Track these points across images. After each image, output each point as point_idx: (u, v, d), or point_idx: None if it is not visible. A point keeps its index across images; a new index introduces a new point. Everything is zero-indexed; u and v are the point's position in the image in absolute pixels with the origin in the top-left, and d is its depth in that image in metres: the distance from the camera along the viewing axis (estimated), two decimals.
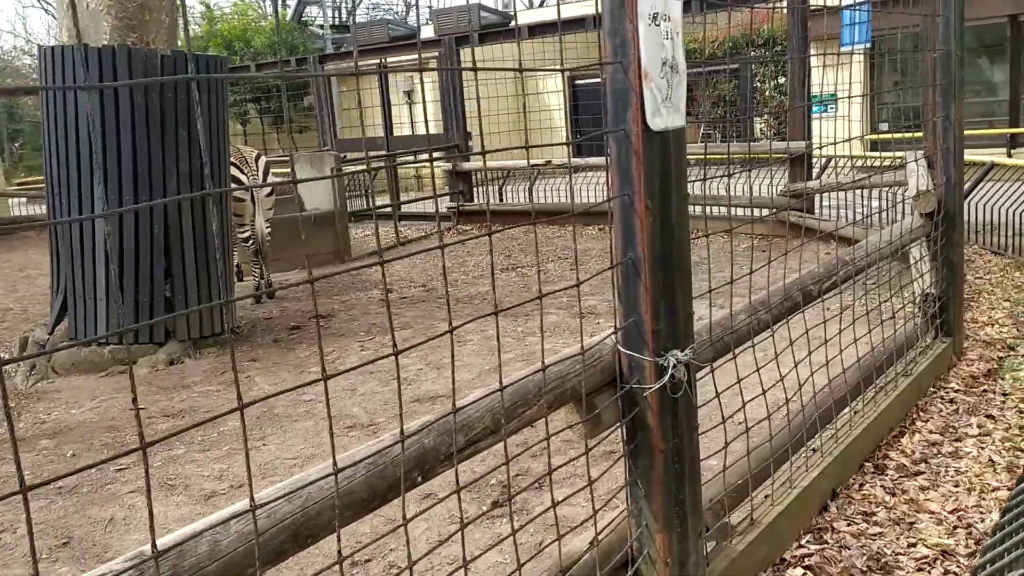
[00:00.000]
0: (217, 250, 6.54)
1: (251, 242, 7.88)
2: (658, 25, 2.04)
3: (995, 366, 4.36)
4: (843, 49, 7.33)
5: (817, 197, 8.75)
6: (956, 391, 4.07)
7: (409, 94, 18.95)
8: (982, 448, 3.47)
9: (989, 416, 3.76)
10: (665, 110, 2.08)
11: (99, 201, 6.05)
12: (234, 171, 7.73)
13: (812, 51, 11.78)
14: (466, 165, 11.75)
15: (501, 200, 12.15)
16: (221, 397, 5.38)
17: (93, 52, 5.90)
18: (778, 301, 2.97)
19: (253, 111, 21.25)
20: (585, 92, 21.55)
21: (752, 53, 19.27)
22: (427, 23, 25.66)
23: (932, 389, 4.08)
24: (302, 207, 10.23)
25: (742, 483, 2.69)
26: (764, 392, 2.76)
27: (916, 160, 4.73)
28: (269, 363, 6.07)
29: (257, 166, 7.80)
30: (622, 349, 2.18)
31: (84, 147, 6.01)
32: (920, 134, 4.74)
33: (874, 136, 12.88)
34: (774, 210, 8.52)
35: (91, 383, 5.92)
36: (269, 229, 8.07)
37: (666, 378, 2.13)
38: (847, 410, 3.42)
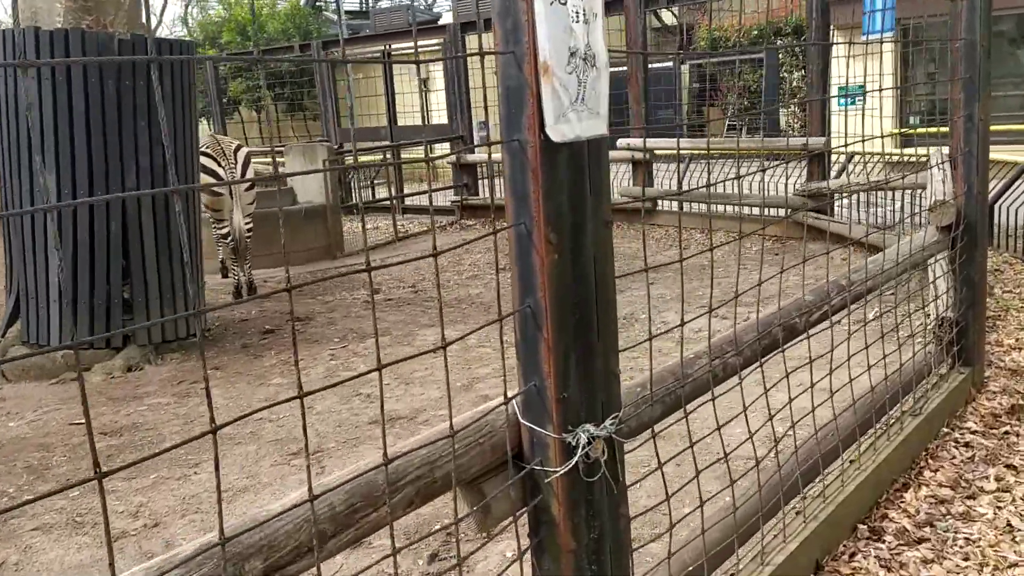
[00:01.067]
0: (184, 248, 6.13)
1: (230, 238, 7.46)
2: (563, 4, 1.55)
3: (1020, 401, 3.82)
4: (866, 39, 6.76)
5: (837, 197, 8.17)
6: (973, 432, 3.54)
7: (426, 82, 18.48)
8: (999, 508, 2.95)
9: (1010, 467, 3.23)
10: (575, 114, 1.59)
11: (52, 195, 5.65)
12: (210, 163, 7.31)
13: (837, 40, 11.15)
14: (470, 157, 11.27)
15: None
16: (170, 412, 4.97)
17: (44, 35, 5.48)
18: (751, 340, 2.47)
19: (268, 98, 20.89)
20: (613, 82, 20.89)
21: (778, 42, 18.59)
22: (449, 9, 25.17)
23: (945, 429, 3.56)
24: (295, 200, 9.82)
25: (696, 567, 2.21)
26: (726, 456, 2.27)
27: (938, 164, 4.20)
28: (231, 372, 5.65)
29: (236, 158, 7.37)
30: (522, 420, 1.71)
31: (35, 136, 5.61)
32: (947, 128, 4.18)
33: (901, 132, 12.22)
34: (788, 210, 7.96)
35: (40, 391, 5.54)
36: (250, 224, 7.64)
37: (576, 459, 1.65)
38: (838, 462, 2.92)
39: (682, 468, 3.09)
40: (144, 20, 6.07)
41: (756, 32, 19.17)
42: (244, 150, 7.54)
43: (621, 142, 9.76)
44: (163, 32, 26.00)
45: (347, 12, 21.82)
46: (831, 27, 8.32)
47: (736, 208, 9.00)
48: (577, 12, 1.58)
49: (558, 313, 1.62)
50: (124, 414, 4.99)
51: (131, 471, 4.08)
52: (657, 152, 9.79)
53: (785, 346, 2.58)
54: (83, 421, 4.91)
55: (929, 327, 3.90)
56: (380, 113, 13.80)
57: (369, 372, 1.41)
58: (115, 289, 5.82)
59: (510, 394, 1.70)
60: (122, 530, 3.49)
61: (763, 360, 2.48)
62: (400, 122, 14.97)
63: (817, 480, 2.78)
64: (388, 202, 11.28)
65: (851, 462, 3.02)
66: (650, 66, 20.71)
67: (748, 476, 2.46)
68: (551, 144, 1.55)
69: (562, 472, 1.65)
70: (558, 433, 1.65)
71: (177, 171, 5.99)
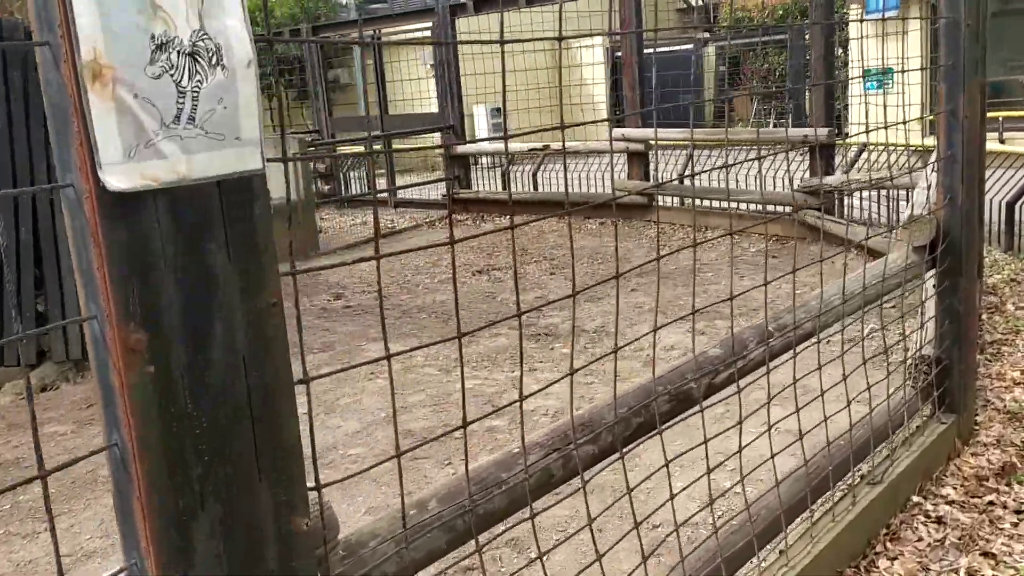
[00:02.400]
0: None
1: None
2: None
3: (1015, 459, 3.15)
4: (868, 17, 6.03)
5: (838, 195, 7.44)
6: (950, 502, 2.89)
7: (432, 67, 17.83)
8: None
9: (987, 555, 2.58)
10: (175, 144, 0.99)
11: None
12: None
13: (856, 19, 10.34)
14: (461, 148, 10.67)
15: (505, 187, 11.03)
16: (61, 444, 4.46)
17: None
18: (609, 423, 1.86)
19: (282, 84, 20.43)
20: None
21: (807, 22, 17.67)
22: None
23: (916, 498, 2.91)
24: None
25: None
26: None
27: (932, 163, 3.53)
28: None
29: None
30: None
31: None
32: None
33: (895, 124, 11.34)
34: (783, 208, 7.26)
35: None
36: None
37: None
38: (756, 560, 2.29)
39: None
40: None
41: (781, 11, 18.26)
42: None
43: (616, 132, 9.09)
44: None
45: None
46: (841, 6, 7.56)
47: (736, 204, 8.31)
48: None
49: (161, 456, 1.03)
50: (12, 445, 4.50)
51: None
52: (655, 142, 9.10)
53: (663, 427, 1.96)
54: None
55: (907, 364, 3.24)
56: (399, 100, 13.14)
57: None
58: (27, 301, 5.34)
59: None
60: None
61: (624, 451, 1.87)
62: (408, 110, 14.43)
63: None
64: (375, 195, 10.71)
65: (781, 553, 2.40)
66: (670, 48, 19.94)
67: None
68: (112, 195, 0.96)
69: None
70: None
71: None
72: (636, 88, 8.77)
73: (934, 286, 3.19)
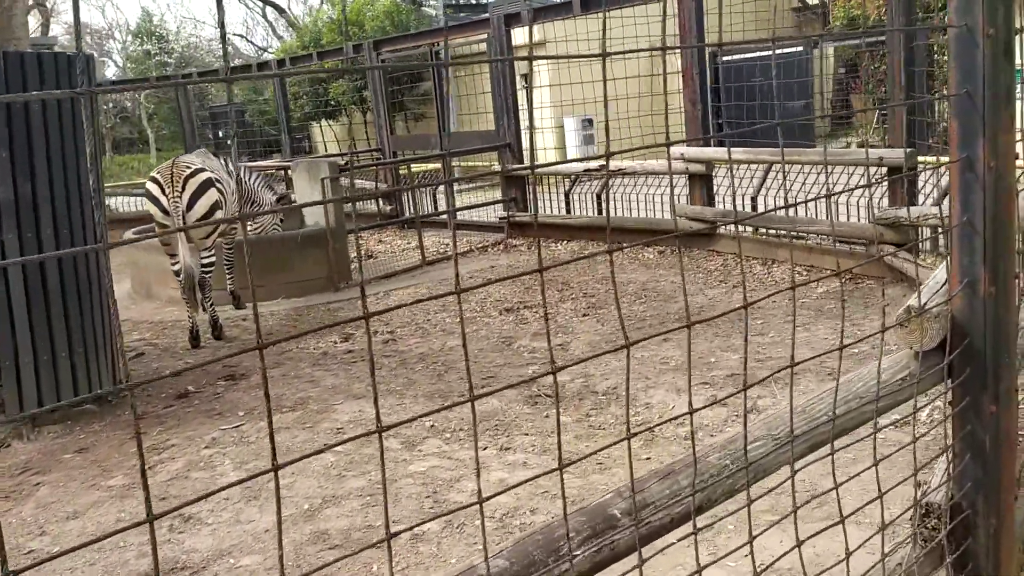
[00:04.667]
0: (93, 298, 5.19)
1: (181, 276, 6.51)
2: None
3: None
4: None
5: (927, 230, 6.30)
6: None
7: (526, 77, 17.14)
8: None
9: None
10: None
11: None
12: (155, 190, 6.39)
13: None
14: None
15: (568, 210, 10.24)
16: None
17: None
18: None
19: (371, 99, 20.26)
20: (730, 71, 18.82)
21: (930, 20, 16.07)
22: None
23: None
24: (302, 222, 8.84)
25: None
26: None
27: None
28: (88, 460, 4.64)
29: (185, 186, 6.38)
30: None
31: None
32: None
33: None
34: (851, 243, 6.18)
35: None
36: (208, 259, 6.67)
37: None
38: None
39: None
40: (19, 30, 5.15)
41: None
42: (201, 176, 6.55)
43: (674, 151, 8.17)
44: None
45: (450, 5, 20.80)
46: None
47: (811, 237, 7.25)
48: None
49: None
50: None
51: None
52: (722, 162, 8.13)
53: None
54: None
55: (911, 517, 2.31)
56: (472, 115, 12.47)
57: None
58: None
59: None
60: None
61: None
62: (479, 126, 13.84)
63: None
64: (419, 222, 10.14)
65: None
66: (781, 51, 18.59)
67: None
68: None
69: None
70: None
71: (56, 211, 5.04)
72: (697, 103, 7.83)
73: (949, 404, 2.24)
